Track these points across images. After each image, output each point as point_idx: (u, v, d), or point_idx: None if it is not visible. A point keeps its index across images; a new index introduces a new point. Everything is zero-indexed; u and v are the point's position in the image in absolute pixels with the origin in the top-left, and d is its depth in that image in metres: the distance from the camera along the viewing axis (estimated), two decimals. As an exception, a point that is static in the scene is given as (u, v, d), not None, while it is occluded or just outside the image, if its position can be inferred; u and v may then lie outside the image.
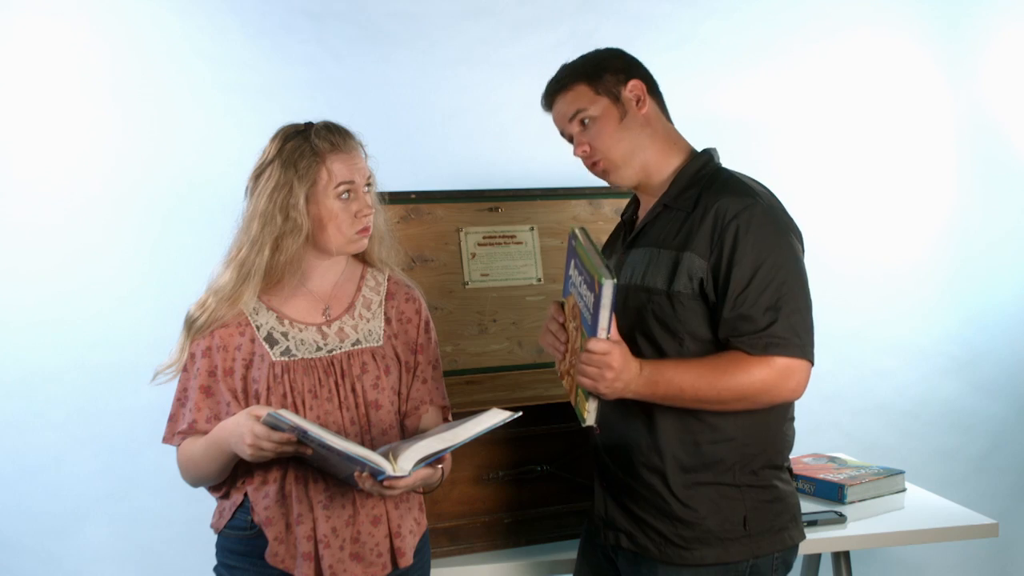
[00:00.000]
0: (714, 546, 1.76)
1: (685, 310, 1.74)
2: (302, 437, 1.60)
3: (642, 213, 1.91)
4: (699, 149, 1.90)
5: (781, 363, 1.68)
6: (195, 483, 1.83)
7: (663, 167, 1.85)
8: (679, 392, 1.69)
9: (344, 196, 1.77)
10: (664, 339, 1.76)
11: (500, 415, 1.67)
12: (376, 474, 1.60)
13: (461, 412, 2.02)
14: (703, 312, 1.74)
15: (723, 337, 1.72)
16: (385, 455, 1.60)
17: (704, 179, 1.81)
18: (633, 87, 1.84)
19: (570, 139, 1.89)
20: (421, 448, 1.61)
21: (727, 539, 1.76)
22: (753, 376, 1.68)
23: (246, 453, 1.64)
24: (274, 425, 1.61)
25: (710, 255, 1.72)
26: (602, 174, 1.87)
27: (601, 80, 1.83)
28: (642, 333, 1.78)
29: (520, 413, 1.69)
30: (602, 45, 1.93)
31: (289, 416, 1.57)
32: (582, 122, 1.84)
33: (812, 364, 1.73)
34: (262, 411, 1.63)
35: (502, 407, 1.71)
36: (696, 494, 1.77)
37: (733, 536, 1.76)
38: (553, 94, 1.88)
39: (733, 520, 1.76)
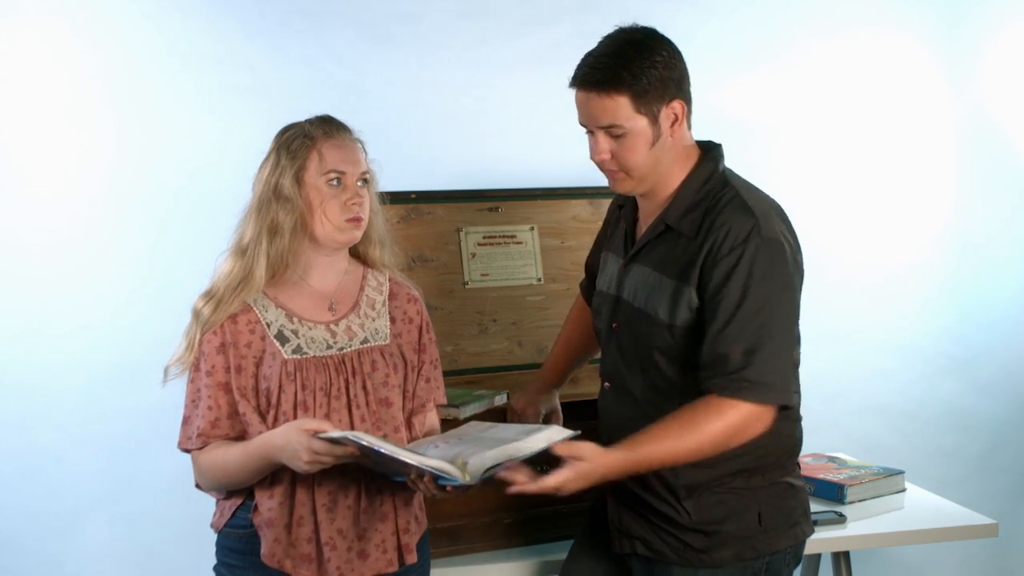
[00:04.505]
0: (732, 547, 1.77)
1: (687, 342, 1.74)
2: (360, 450, 1.60)
3: (643, 219, 1.88)
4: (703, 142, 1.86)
5: (746, 408, 1.65)
6: (219, 489, 1.80)
7: (673, 180, 1.80)
8: (660, 463, 1.70)
9: (333, 183, 1.77)
10: (668, 367, 1.77)
11: (563, 432, 1.68)
12: (436, 478, 1.60)
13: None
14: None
15: (699, 371, 1.70)
16: (450, 462, 1.58)
17: (708, 198, 1.76)
18: (673, 107, 1.74)
19: (587, 127, 1.78)
20: (489, 457, 1.60)
21: (744, 537, 1.77)
22: (722, 423, 1.65)
23: (302, 468, 1.63)
24: (334, 443, 1.61)
25: (700, 285, 1.70)
26: (611, 180, 1.81)
27: (646, 98, 1.70)
28: (647, 360, 1.80)
29: (579, 432, 1.69)
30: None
31: (351, 435, 1.57)
32: (612, 132, 1.73)
33: (783, 407, 1.69)
34: (311, 425, 1.62)
35: (562, 426, 1.75)
36: (712, 505, 1.78)
37: (750, 534, 1.78)
38: (589, 88, 1.72)
39: (748, 519, 1.78)
